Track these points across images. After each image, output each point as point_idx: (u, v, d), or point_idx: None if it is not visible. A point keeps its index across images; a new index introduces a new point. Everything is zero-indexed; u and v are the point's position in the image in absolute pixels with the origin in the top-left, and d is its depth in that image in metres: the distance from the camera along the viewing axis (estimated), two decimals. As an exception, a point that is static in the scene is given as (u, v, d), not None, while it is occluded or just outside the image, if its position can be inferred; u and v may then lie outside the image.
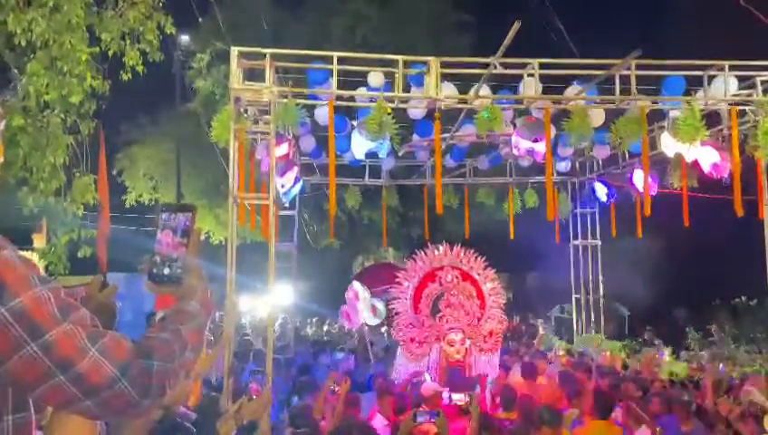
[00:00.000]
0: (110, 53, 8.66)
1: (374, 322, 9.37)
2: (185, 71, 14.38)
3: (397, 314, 8.46)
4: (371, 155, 8.33)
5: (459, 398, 5.33)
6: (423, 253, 8.43)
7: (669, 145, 6.38)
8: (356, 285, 9.30)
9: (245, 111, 6.21)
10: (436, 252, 8.38)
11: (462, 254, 8.39)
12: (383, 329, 11.15)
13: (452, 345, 7.98)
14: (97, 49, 8.44)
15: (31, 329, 1.11)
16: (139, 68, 9.33)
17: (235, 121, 5.70)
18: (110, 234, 9.54)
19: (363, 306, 9.16)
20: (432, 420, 4.59)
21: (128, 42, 8.70)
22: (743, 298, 14.91)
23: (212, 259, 6.32)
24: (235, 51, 5.73)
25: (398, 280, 8.51)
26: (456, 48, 11.92)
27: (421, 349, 8.23)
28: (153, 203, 15.66)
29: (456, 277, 8.29)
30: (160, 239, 1.45)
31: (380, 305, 9.24)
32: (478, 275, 8.38)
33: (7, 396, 1.19)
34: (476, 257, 8.45)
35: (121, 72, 9.35)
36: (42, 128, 8.22)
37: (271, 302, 6.90)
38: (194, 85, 14.22)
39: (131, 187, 15.29)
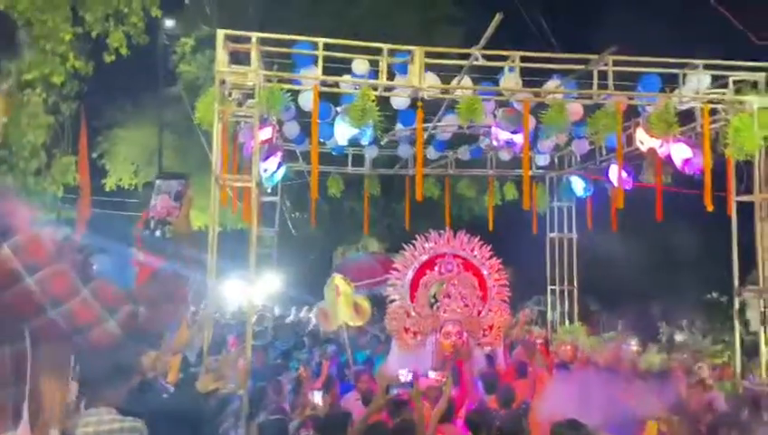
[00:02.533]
0: (94, 34, 8.63)
1: (356, 322, 8.57)
2: (169, 55, 14.30)
3: (390, 301, 8.25)
4: (355, 143, 8.39)
5: (436, 376, 5.41)
6: (423, 238, 8.19)
7: (644, 140, 6.57)
8: (337, 278, 8.52)
9: (230, 94, 6.26)
10: (438, 238, 8.11)
11: (466, 241, 8.19)
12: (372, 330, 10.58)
13: (447, 338, 7.73)
14: (80, 29, 8.41)
15: (27, 265, 1.20)
16: (123, 50, 9.30)
17: (219, 104, 5.75)
18: (89, 217, 9.53)
19: (344, 304, 8.28)
20: (408, 392, 4.72)
21: (112, 23, 8.68)
22: (714, 294, 15.30)
23: (192, 245, 6.36)
24: (221, 33, 5.78)
25: (394, 266, 8.27)
26: (445, 40, 12.04)
27: (415, 340, 8.06)
28: (133, 188, 15.60)
29: (458, 266, 8.11)
30: (156, 204, 1.54)
31: (365, 303, 8.44)
32: (482, 264, 8.18)
33: (4, 328, 1.28)
34: (482, 246, 8.26)
35: (105, 54, 9.31)
36: (22, 107, 8.18)
37: (251, 287, 6.85)
38: (178, 70, 14.15)
39: (112, 170, 15.19)
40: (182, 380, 4.89)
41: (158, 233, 1.52)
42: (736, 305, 6.97)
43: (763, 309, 6.59)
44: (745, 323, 10.79)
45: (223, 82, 5.87)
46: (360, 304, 8.44)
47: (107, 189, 15.32)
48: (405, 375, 5.60)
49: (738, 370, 6.81)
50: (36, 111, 8.37)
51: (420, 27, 13.57)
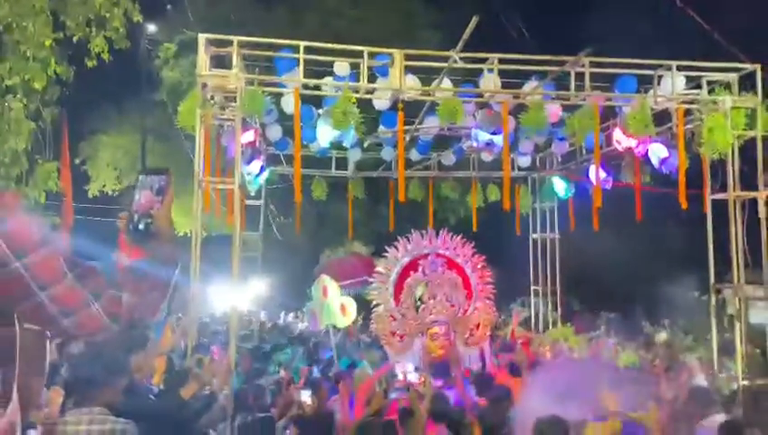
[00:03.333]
0: (75, 39, 8.62)
1: (342, 324, 8.77)
2: (152, 60, 14.29)
3: (375, 306, 8.25)
4: (338, 145, 8.45)
5: (414, 378, 5.47)
6: (406, 239, 8.22)
7: (621, 140, 6.70)
8: (325, 279, 8.71)
9: (212, 97, 6.30)
10: (420, 239, 8.14)
11: (449, 240, 8.22)
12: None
13: (435, 339, 7.80)
14: (61, 35, 8.39)
15: (16, 250, 1.26)
16: (105, 55, 9.28)
17: (201, 107, 5.79)
18: (72, 223, 9.50)
19: (332, 305, 8.45)
20: (404, 395, 4.79)
21: (93, 28, 8.67)
22: (695, 293, 15.51)
23: (173, 240, 6.37)
24: (202, 37, 5.83)
25: (377, 269, 8.28)
26: (426, 45, 12.15)
27: (402, 342, 8.06)
28: (117, 193, 15.53)
29: (442, 266, 8.13)
30: (138, 199, 1.60)
31: (350, 305, 8.60)
32: (465, 262, 8.22)
33: None
34: (464, 244, 8.32)
35: (86, 59, 9.29)
36: (2, 113, 8.15)
37: (236, 290, 6.83)
38: (160, 75, 14.14)
39: (95, 176, 15.13)
40: (167, 382, 4.91)
41: (141, 226, 1.58)
42: (713, 301, 7.11)
43: (738, 305, 6.72)
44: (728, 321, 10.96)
45: (204, 85, 5.91)
46: (346, 306, 8.53)
47: (90, 196, 15.25)
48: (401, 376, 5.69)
49: (715, 365, 6.95)
50: (18, 116, 8.33)
51: (402, 33, 13.70)
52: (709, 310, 7.29)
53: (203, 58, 5.81)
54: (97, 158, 15.22)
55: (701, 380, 6.79)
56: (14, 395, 1.37)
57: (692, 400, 5.02)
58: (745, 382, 6.49)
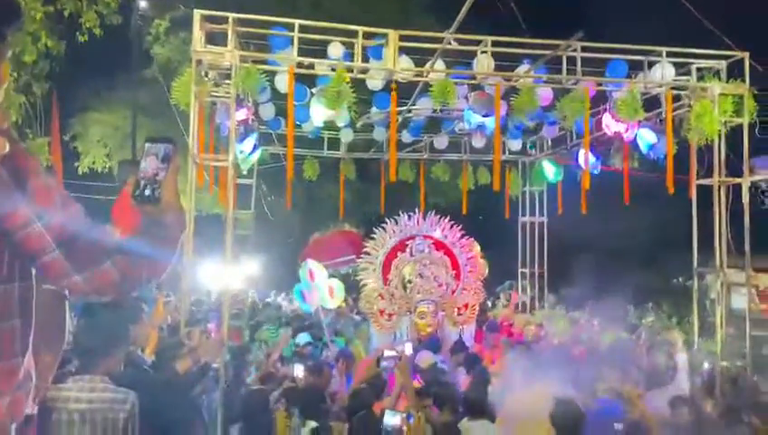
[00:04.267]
0: (67, 13, 8.56)
1: (331, 305, 8.85)
2: (143, 36, 14.16)
3: (363, 285, 8.38)
4: (330, 127, 8.49)
5: (391, 355, 5.58)
6: (394, 221, 8.34)
7: (610, 125, 6.79)
8: (311, 263, 8.78)
9: (206, 74, 6.32)
10: (408, 220, 8.29)
11: (436, 222, 8.36)
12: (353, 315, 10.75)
13: (423, 318, 7.93)
14: (52, 8, 8.33)
15: (37, 210, 1.34)
16: (97, 31, 9.23)
17: (196, 84, 5.81)
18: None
19: (320, 287, 8.52)
20: (396, 363, 4.93)
21: (84, 2, 8.61)
22: (680, 279, 15.76)
23: (178, 209, 6.40)
24: (197, 14, 5.83)
25: (366, 249, 8.40)
26: (420, 28, 12.14)
27: (390, 321, 8.21)
28: (107, 171, 15.46)
29: (429, 247, 8.27)
30: (144, 165, 1.66)
31: (337, 287, 8.67)
32: (453, 244, 8.37)
33: (15, 266, 1.42)
34: (452, 226, 8.46)
35: (77, 34, 9.23)
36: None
37: (227, 268, 6.91)
38: (152, 51, 14.02)
39: (84, 153, 15.04)
40: (159, 354, 4.99)
41: (147, 192, 1.63)
42: (695, 283, 7.26)
43: (720, 288, 6.88)
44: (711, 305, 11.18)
45: (199, 62, 5.93)
46: (333, 288, 8.65)
47: (80, 172, 15.17)
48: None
49: (695, 347, 7.13)
50: (7, 89, 8.28)
51: (398, 15, 13.66)
52: (692, 294, 7.46)
53: (198, 34, 5.82)
54: (87, 134, 15.12)
55: (682, 356, 6.99)
56: (30, 344, 1.45)
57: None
58: (725, 364, 6.68)
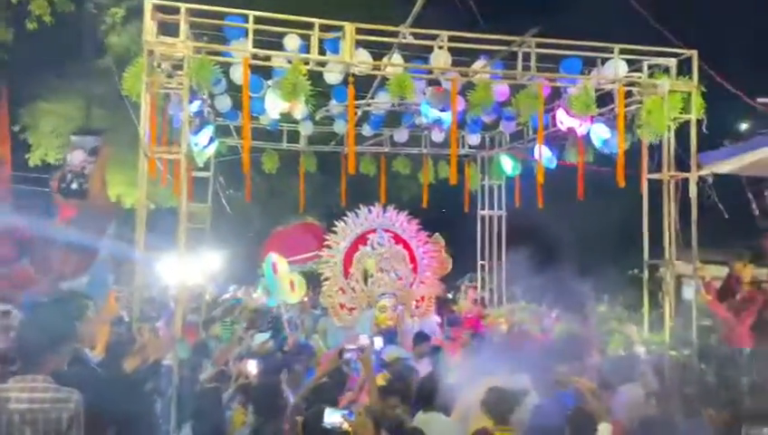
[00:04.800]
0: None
1: (293, 299, 8.83)
2: (98, 25, 13.78)
3: (325, 279, 8.35)
4: (289, 119, 8.41)
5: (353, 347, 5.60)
6: (355, 214, 8.34)
7: (564, 120, 6.91)
8: (274, 256, 8.74)
9: (159, 65, 6.18)
10: (369, 213, 8.32)
11: (395, 216, 8.41)
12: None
13: (383, 311, 7.95)
14: (-1, -6, 8.05)
15: None
16: (47, 18, 8.94)
17: (147, 74, 5.69)
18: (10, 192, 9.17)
19: (282, 281, 8.52)
20: (358, 355, 4.92)
21: (33, -11, 8.34)
22: (634, 270, 16.16)
23: (124, 223, 6.29)
24: (148, 3, 5.69)
25: (326, 244, 8.38)
26: (381, 21, 12.07)
27: (351, 316, 8.21)
28: (60, 163, 15.02)
29: (389, 240, 8.30)
30: (71, 159, 1.61)
31: (298, 281, 8.65)
32: (411, 237, 8.43)
33: None
34: (410, 220, 8.51)
35: (27, 22, 8.93)
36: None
37: (183, 263, 6.78)
38: (107, 41, 13.66)
39: (36, 144, 14.57)
40: (109, 351, 4.89)
41: (74, 186, 1.59)
42: (645, 275, 7.47)
43: (668, 280, 7.09)
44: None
45: (151, 52, 5.79)
46: (295, 282, 8.61)
47: (31, 165, 14.70)
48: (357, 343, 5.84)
49: (646, 336, 7.34)
50: (-50, 76, 7.98)
51: (358, 8, 13.56)
52: (652, 288, 7.67)
53: (149, 24, 5.69)
54: (38, 126, 14.63)
55: (639, 347, 7.20)
56: None
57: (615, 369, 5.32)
58: (673, 353, 6.89)
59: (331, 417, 3.39)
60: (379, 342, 6.72)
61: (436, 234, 9.69)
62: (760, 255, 6.59)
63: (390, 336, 7.44)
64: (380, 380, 5.35)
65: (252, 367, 5.63)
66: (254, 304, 10.06)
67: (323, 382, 4.96)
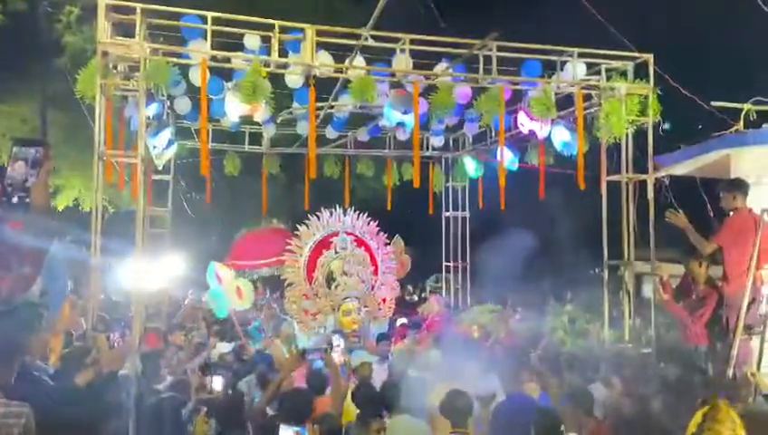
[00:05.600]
0: (-36, -3, 7.98)
1: (241, 306, 8.65)
2: (53, 24, 13.37)
3: (289, 285, 8.24)
4: (251, 121, 8.29)
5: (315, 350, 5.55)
6: (316, 217, 8.26)
7: (524, 123, 6.99)
8: (216, 265, 8.57)
9: (115, 67, 6.03)
10: (330, 217, 8.24)
11: (356, 218, 8.36)
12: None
13: (348, 315, 7.90)
14: (-54, -8, 7.75)
15: None
16: (-2, 17, 8.61)
17: (102, 76, 5.53)
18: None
19: (228, 290, 8.36)
20: (321, 356, 4.88)
21: (-17, -14, 8.05)
22: (596, 270, 16.45)
23: (83, 227, 6.12)
24: (102, 2, 5.54)
25: (288, 248, 8.27)
26: (345, 23, 12.02)
27: (316, 321, 8.12)
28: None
29: (351, 243, 8.24)
30: (11, 171, 1.54)
31: (245, 287, 8.49)
32: (371, 240, 8.40)
33: None
34: (369, 222, 8.48)
35: (-24, 20, 8.60)
36: None
37: (141, 268, 6.60)
38: (63, 40, 13.27)
39: (-12, 147, 14.06)
40: (64, 362, 4.74)
41: (14, 200, 1.52)
42: (605, 276, 7.60)
43: (627, 279, 7.23)
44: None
45: (105, 53, 5.64)
46: (241, 288, 8.46)
47: (-17, 167, 14.20)
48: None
49: (606, 335, 7.48)
50: None
51: (319, 8, 13.49)
52: (612, 287, 7.80)
53: (103, 24, 5.53)
54: (-10, 127, 14.15)
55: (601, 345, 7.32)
56: None
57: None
58: (630, 349, 7.03)
59: (285, 433, 3.38)
60: (337, 339, 6.69)
61: (396, 236, 9.69)
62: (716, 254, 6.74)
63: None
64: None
65: (217, 384, 5.54)
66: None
67: (300, 388, 4.90)
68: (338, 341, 6.70)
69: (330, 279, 8.14)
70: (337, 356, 5.98)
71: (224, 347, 7.73)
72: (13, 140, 1.56)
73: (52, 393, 3.84)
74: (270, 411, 4.63)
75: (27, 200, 1.49)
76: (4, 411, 3.09)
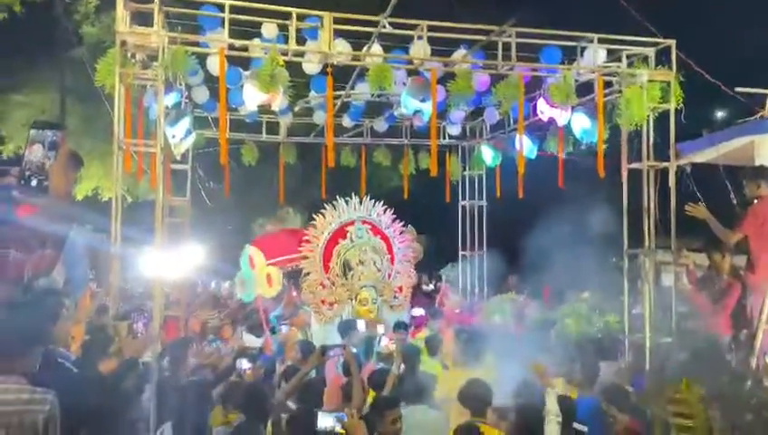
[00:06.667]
0: (-18, -12, 8.04)
1: (269, 294, 8.71)
2: (70, 15, 13.45)
3: (306, 275, 8.28)
4: (268, 110, 8.29)
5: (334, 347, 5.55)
6: (332, 206, 8.28)
7: (544, 110, 6.90)
8: (251, 249, 8.68)
9: (133, 56, 6.04)
10: (346, 205, 8.26)
11: (372, 207, 8.37)
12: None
13: (364, 304, 7.94)
14: (-35, -17, 7.81)
15: None
16: (17, 8, 8.69)
17: (120, 66, 5.55)
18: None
19: (259, 275, 8.46)
20: (341, 353, 4.88)
21: (0, -22, 8.11)
22: (614, 259, 16.30)
23: (102, 216, 6.18)
24: (121, -8, 5.55)
25: (305, 238, 8.29)
26: (360, 10, 11.95)
27: (332, 310, 8.15)
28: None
29: (368, 232, 8.26)
30: (29, 154, 1.53)
31: (276, 275, 8.54)
32: (388, 228, 8.40)
33: None
34: (385, 210, 8.48)
35: (-6, 11, 8.66)
36: None
37: (161, 258, 6.65)
38: (81, 31, 13.35)
39: (9, 137, 14.25)
40: (85, 350, 4.79)
41: (33, 183, 1.52)
42: (625, 265, 7.52)
43: (648, 268, 7.14)
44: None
45: (124, 43, 5.65)
46: (272, 276, 8.52)
47: (5, 157, 14.39)
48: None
49: (626, 325, 7.41)
50: None
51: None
52: (631, 276, 7.72)
53: (121, 13, 5.54)
54: (11, 118, 14.29)
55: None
56: None
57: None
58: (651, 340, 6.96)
59: (324, 421, 3.38)
60: (362, 325, 6.71)
61: (409, 225, 9.68)
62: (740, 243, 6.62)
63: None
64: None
65: (245, 365, 5.58)
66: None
67: (313, 379, 4.91)
68: (381, 330, 6.72)
69: (346, 268, 8.15)
70: (384, 344, 5.99)
71: (252, 341, 7.78)
72: (32, 122, 1.55)
73: (76, 381, 3.89)
74: (291, 405, 4.65)
75: (46, 184, 1.48)
76: (28, 398, 3.13)
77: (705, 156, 7.05)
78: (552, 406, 3.96)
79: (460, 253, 11.31)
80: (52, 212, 1.50)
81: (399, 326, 7.48)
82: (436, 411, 4.75)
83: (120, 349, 3.82)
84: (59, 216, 1.51)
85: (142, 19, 5.94)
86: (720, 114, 13.38)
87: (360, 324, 6.86)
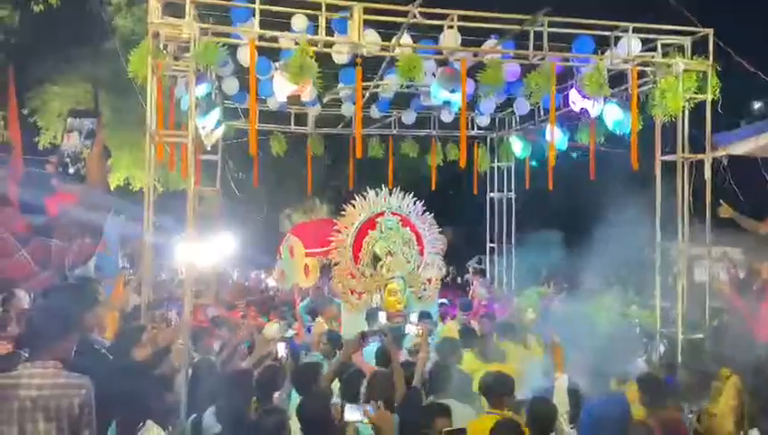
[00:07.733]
0: (20, -18, 8.21)
1: (306, 284, 8.90)
2: (103, 7, 13.65)
3: (336, 264, 8.35)
4: (297, 101, 8.32)
5: (374, 332, 5.56)
6: (362, 197, 8.31)
7: (576, 101, 6.79)
8: (292, 238, 8.79)
9: (165, 47, 6.11)
10: (375, 197, 8.28)
11: (401, 198, 8.37)
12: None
13: (393, 295, 7.91)
14: (4, -24, 7.97)
15: None
16: (53, 0, 8.83)
17: (153, 57, 5.62)
18: (21, 175, 9.19)
19: (297, 264, 8.63)
20: (380, 338, 4.87)
21: (38, -28, 8.26)
22: (645, 251, 16.02)
23: (135, 204, 6.28)
24: (153, -16, 5.61)
25: (336, 228, 8.35)
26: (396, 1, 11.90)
27: (361, 300, 8.13)
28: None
29: (398, 223, 8.27)
30: (66, 142, 1.55)
31: (313, 266, 8.74)
32: (417, 219, 8.40)
33: None
34: (415, 202, 8.48)
35: (32, 4, 8.84)
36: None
37: (193, 247, 6.75)
38: (113, 23, 13.55)
39: (45, 127, 14.57)
40: (119, 337, 4.88)
41: (71, 170, 1.54)
42: (657, 259, 7.38)
43: (681, 262, 7.00)
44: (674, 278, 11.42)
45: (156, 34, 5.72)
46: (310, 267, 8.61)
47: (40, 147, 14.71)
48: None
49: (658, 320, 7.28)
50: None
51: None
52: (655, 267, 7.57)
53: (154, 5, 5.60)
54: (47, 109, 14.60)
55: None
56: None
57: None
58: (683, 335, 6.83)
59: (352, 414, 3.38)
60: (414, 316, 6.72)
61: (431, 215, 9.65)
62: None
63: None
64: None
65: (281, 350, 5.61)
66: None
67: (352, 371, 4.88)
68: (414, 319, 6.72)
69: (375, 259, 8.17)
70: (415, 332, 5.97)
71: (273, 332, 7.85)
72: (69, 111, 1.57)
73: (111, 366, 3.99)
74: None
75: (83, 172, 1.49)
76: (64, 383, 3.21)
77: (742, 148, 6.87)
78: (559, 396, 3.92)
79: (488, 245, 11.23)
80: (89, 200, 1.52)
81: (423, 316, 7.46)
82: (465, 406, 4.72)
83: (153, 337, 3.89)
84: (95, 204, 1.53)
85: (174, 10, 6.00)
86: (758, 105, 13.01)
87: (382, 316, 6.85)
